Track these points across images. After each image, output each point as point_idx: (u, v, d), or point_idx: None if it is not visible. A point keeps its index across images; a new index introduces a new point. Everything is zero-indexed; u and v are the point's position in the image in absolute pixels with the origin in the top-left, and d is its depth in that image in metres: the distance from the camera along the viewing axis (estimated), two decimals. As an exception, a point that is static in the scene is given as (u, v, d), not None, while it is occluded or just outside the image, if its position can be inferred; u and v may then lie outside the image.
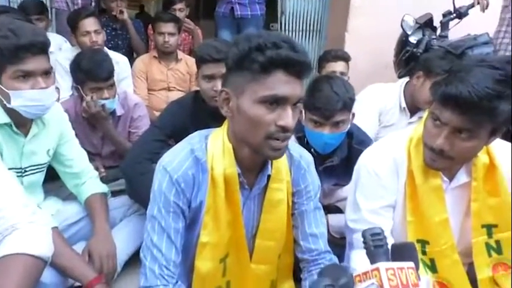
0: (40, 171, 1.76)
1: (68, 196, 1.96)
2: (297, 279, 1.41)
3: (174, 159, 1.18)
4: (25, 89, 1.46)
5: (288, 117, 1.05)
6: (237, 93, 1.08)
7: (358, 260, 1.32)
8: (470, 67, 1.16)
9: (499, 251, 1.35)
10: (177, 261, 1.20)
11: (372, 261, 0.86)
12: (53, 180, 1.92)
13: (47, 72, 1.51)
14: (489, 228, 1.35)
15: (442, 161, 1.23)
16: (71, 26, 2.91)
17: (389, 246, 0.87)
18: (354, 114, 1.82)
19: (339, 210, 2.08)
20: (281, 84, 1.03)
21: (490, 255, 1.35)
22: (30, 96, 1.48)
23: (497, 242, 1.35)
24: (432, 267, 1.34)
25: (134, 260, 1.78)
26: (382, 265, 0.82)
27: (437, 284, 1.33)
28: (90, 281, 1.47)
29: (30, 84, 1.47)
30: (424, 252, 1.33)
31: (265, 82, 1.03)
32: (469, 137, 1.17)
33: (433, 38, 3.04)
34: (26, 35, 1.43)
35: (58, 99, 1.77)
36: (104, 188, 1.91)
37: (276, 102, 1.04)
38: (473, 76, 1.13)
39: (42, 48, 1.48)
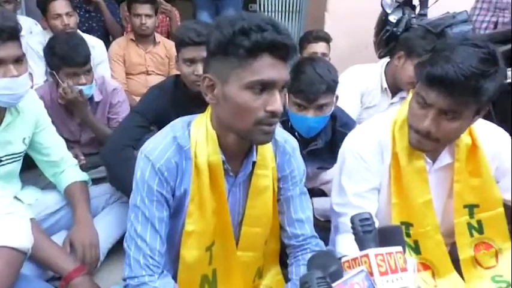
0: (16, 161, 1.70)
1: (47, 185, 1.92)
2: (284, 265, 1.41)
3: (157, 147, 1.15)
4: None
5: (276, 102, 1.03)
6: (222, 79, 1.05)
7: (344, 244, 1.32)
8: (454, 46, 1.16)
9: (480, 230, 1.37)
10: (162, 251, 1.18)
11: (361, 247, 0.86)
12: (30, 169, 1.87)
13: (19, 60, 1.44)
14: (471, 209, 1.37)
15: (428, 142, 1.23)
16: (41, 9, 2.79)
17: (375, 230, 0.87)
18: (337, 97, 1.81)
19: (323, 194, 2.09)
20: (267, 68, 1.01)
21: (471, 235, 1.37)
22: (2, 84, 1.41)
23: (479, 221, 1.37)
24: (416, 249, 1.36)
25: (117, 249, 1.76)
26: (372, 251, 0.82)
27: (421, 265, 1.35)
28: (70, 273, 1.45)
29: (1, 72, 1.40)
30: (408, 235, 1.34)
31: (251, 67, 1.01)
32: (454, 118, 1.17)
33: (413, 17, 3.02)
34: None
35: (32, 86, 1.70)
36: (84, 176, 1.87)
37: (263, 87, 1.02)
38: (457, 55, 1.12)
39: (13, 34, 1.41)
